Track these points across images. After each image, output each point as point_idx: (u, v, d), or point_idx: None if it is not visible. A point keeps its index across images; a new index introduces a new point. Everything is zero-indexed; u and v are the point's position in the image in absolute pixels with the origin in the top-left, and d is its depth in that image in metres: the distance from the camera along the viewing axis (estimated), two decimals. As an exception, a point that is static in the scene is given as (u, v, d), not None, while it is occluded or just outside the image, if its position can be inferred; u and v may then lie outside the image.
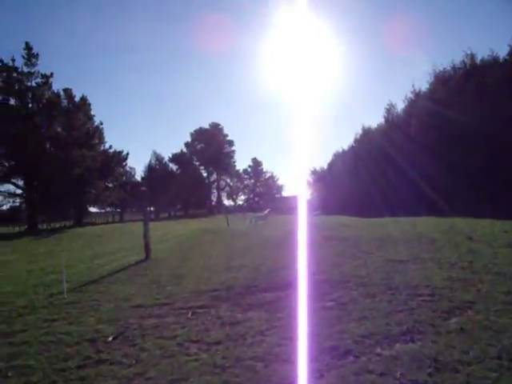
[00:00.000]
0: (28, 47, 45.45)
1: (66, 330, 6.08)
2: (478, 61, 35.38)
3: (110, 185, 63.48)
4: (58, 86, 54.36)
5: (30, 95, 46.65)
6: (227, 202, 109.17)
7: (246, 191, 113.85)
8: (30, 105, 47.19)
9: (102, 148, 59.00)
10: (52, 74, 47.65)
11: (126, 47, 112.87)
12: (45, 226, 49.81)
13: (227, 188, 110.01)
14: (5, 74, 44.45)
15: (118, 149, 64.76)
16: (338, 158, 64.76)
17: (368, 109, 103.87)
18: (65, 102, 50.21)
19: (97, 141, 56.20)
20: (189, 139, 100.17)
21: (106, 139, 59.70)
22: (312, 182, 78.69)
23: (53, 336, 5.81)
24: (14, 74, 45.04)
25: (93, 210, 67.68)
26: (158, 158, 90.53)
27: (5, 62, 44.17)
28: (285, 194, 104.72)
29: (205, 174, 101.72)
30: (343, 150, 63.69)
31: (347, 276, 8.51)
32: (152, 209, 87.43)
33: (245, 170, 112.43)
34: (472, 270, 8.44)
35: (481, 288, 6.93)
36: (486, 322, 5.21)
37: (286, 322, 5.71)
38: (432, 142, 34.25)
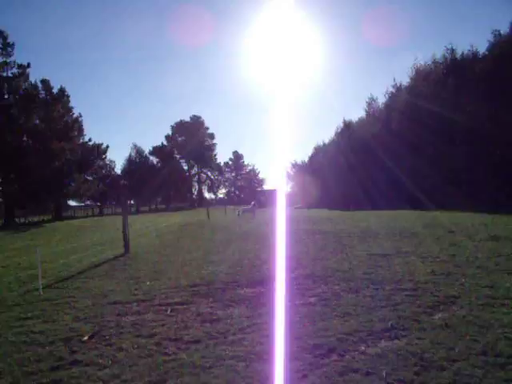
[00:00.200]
0: (3, 36, 44.19)
1: (40, 328, 5.82)
2: (458, 56, 35.66)
3: (90, 178, 62.51)
4: (35, 77, 52.83)
5: (6, 86, 45.48)
6: (208, 196, 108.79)
7: (227, 184, 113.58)
8: (6, 96, 46.04)
9: (82, 141, 57.98)
10: (29, 64, 46.48)
11: (106, 39, 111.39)
12: (22, 220, 48.85)
13: (208, 181, 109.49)
14: (-23, 64, 43.26)
15: (98, 141, 63.94)
16: (319, 151, 64.94)
17: (350, 102, 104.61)
18: (43, 94, 49.15)
19: (76, 133, 55.17)
20: (170, 132, 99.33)
21: (86, 132, 58.73)
22: (293, 175, 78.79)
23: (25, 336, 5.55)
24: (-12, 64, 43.83)
25: (72, 203, 66.83)
26: (139, 151, 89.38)
27: (-23, 51, 42.97)
28: (266, 187, 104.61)
29: (185, 167, 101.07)
30: (324, 144, 63.92)
31: (330, 270, 8.41)
32: (132, 202, 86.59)
33: (226, 164, 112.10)
34: (454, 264, 8.43)
35: (464, 282, 6.90)
36: (470, 317, 5.15)
37: (268, 318, 5.55)
38: (412, 136, 34.47)
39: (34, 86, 47.58)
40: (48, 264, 11.65)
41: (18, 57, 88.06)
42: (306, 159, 73.69)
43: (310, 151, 72.53)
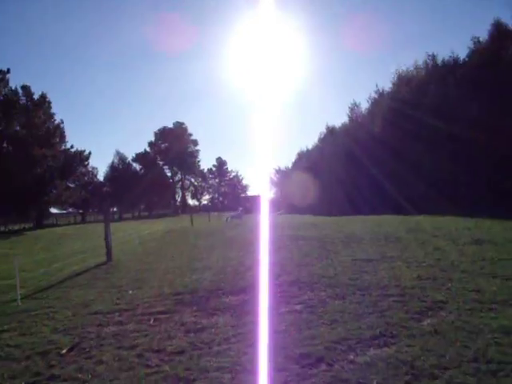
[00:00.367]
0: (-19, 42, 43.53)
1: (16, 342, 5.58)
2: (439, 62, 36.09)
3: (72, 185, 61.81)
4: (16, 83, 52.14)
5: (-15, 92, 44.81)
6: (192, 202, 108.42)
7: (211, 191, 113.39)
8: (-15, 102, 45.32)
9: (63, 147, 57.26)
10: (9, 69, 45.82)
11: (87, 46, 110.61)
12: (2, 228, 47.98)
13: (191, 188, 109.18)
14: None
15: (80, 148, 63.26)
16: (303, 156, 65.12)
17: (333, 108, 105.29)
18: (23, 100, 48.49)
19: (57, 140, 54.48)
20: (153, 138, 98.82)
21: (68, 138, 58.04)
22: (276, 180, 78.88)
23: (0, 350, 5.32)
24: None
25: (54, 210, 65.97)
26: (122, 158, 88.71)
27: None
28: (249, 193, 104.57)
29: (169, 174, 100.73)
30: (307, 149, 64.11)
31: (315, 277, 8.30)
32: (115, 209, 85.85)
33: (209, 170, 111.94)
34: (440, 268, 8.38)
35: (450, 287, 6.84)
36: (459, 323, 5.06)
37: (253, 327, 5.40)
38: (395, 141, 34.69)
39: (15, 92, 46.93)
40: (28, 273, 11.35)
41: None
42: (290, 165, 73.84)
43: (293, 157, 72.72)
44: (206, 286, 8.26)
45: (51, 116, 52.91)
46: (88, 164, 71.08)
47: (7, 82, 46.15)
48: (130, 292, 8.30)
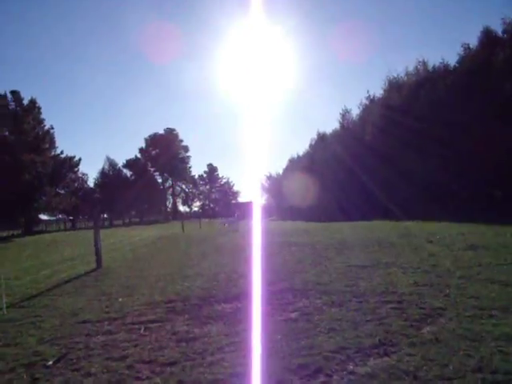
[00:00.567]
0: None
1: (0, 353, 5.35)
2: (430, 68, 36.28)
3: (62, 191, 61.48)
4: (4, 88, 51.75)
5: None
6: (182, 208, 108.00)
7: (202, 197, 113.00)
8: (-26, 107, 44.92)
9: (53, 153, 57.01)
10: (-3, 75, 45.51)
11: (78, 51, 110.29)
12: (-10, 236, 47.40)
13: (182, 194, 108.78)
14: None
15: (70, 154, 62.93)
16: (294, 163, 65.18)
17: (325, 114, 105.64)
18: (13, 105, 48.11)
19: (47, 145, 54.21)
20: (143, 145, 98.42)
21: (57, 144, 57.71)
22: (268, 187, 78.88)
23: (-18, 362, 5.06)
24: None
25: (44, 217, 65.42)
26: (112, 164, 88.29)
27: None
28: (241, 199, 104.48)
29: (160, 180, 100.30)
30: (298, 156, 64.20)
31: (310, 284, 8.13)
32: (106, 216, 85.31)
33: (200, 176, 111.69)
34: (436, 274, 8.26)
35: (448, 293, 6.70)
36: (460, 330, 4.91)
37: (248, 336, 5.21)
38: (386, 148, 34.77)
39: (4, 97, 46.55)
40: (14, 281, 11.08)
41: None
42: (281, 171, 73.89)
43: (285, 163, 72.81)
44: (199, 293, 8.06)
45: (41, 122, 52.64)
46: (78, 170, 70.95)
47: (-4, 87, 45.81)
48: (120, 300, 8.06)
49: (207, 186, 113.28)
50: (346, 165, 39.87)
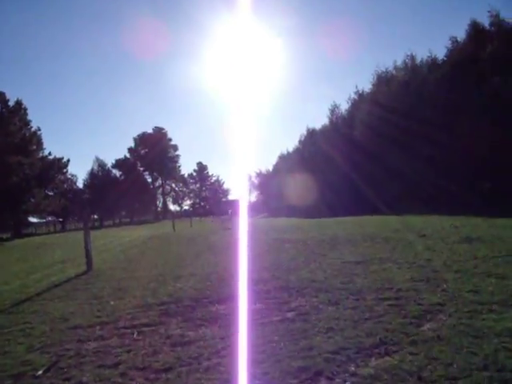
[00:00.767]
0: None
1: (-14, 363, 5.13)
2: (418, 62, 36.27)
3: (51, 193, 60.98)
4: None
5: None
6: (173, 207, 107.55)
7: (192, 196, 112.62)
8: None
9: (41, 155, 56.47)
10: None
11: (63, 51, 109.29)
12: (-22, 239, 46.78)
13: (172, 193, 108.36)
14: None
15: (58, 155, 62.30)
16: (283, 159, 65.09)
17: (314, 110, 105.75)
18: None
19: (34, 147, 53.68)
20: (132, 144, 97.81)
21: (45, 145, 57.18)
22: (257, 184, 78.77)
23: (-32, 373, 4.84)
24: None
25: (33, 219, 64.76)
26: (101, 165, 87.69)
27: None
28: (231, 197, 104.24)
29: (149, 180, 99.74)
30: (288, 152, 64.10)
31: (305, 281, 7.99)
32: (96, 216, 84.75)
33: (190, 175, 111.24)
34: (432, 269, 8.16)
35: (446, 288, 6.60)
36: (461, 327, 4.79)
37: (244, 338, 5.04)
38: (374, 145, 34.82)
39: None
40: (3, 286, 10.82)
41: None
42: (271, 168, 73.81)
43: (275, 160, 72.71)
44: (192, 294, 7.88)
45: (27, 123, 52.10)
46: (67, 171, 70.40)
47: (-19, 89, 45.18)
48: (112, 303, 7.86)
49: (197, 185, 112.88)
50: (334, 161, 39.87)
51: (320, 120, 79.10)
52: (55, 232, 62.56)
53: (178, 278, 9.83)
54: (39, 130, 54.18)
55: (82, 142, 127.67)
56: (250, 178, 79.02)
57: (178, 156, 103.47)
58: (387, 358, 4.13)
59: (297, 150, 58.25)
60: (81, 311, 7.43)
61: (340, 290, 7.07)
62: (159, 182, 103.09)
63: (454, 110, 28.66)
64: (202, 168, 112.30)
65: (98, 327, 6.24)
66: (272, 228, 23.41)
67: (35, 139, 53.37)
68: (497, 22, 30.38)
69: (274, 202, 58.93)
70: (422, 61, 35.84)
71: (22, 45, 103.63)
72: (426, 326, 4.95)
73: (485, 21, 31.52)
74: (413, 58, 36.55)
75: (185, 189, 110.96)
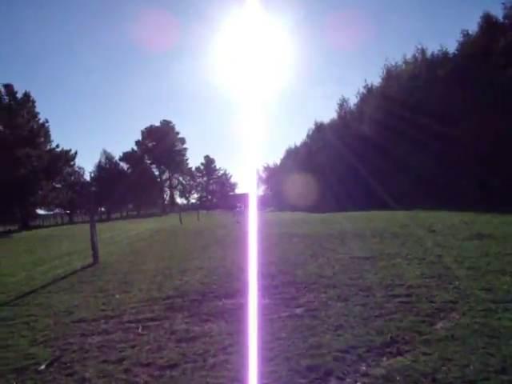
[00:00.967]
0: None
1: (-11, 356, 5.03)
2: (428, 56, 35.75)
3: (58, 185, 61.02)
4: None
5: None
6: (180, 201, 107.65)
7: (199, 189, 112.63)
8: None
9: (49, 147, 56.51)
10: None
11: (73, 43, 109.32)
12: (-14, 231, 47.04)
13: (180, 186, 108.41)
14: None
15: (66, 148, 62.40)
16: (291, 154, 64.80)
17: (323, 104, 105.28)
18: (6, 99, 47.55)
19: (42, 139, 53.73)
20: (140, 137, 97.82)
21: (53, 138, 57.19)
22: (265, 178, 78.55)
23: (-30, 366, 4.74)
24: None
25: (40, 211, 65.04)
26: (108, 157, 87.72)
27: None
28: (238, 191, 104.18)
29: (157, 173, 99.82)
30: (296, 146, 63.78)
31: (313, 277, 7.84)
32: (103, 209, 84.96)
33: (197, 168, 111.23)
34: (443, 265, 7.98)
35: (458, 285, 6.43)
36: (475, 326, 4.63)
37: (251, 334, 4.91)
38: (383, 139, 34.50)
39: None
40: (9, 277, 10.80)
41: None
42: (278, 162, 73.55)
43: (282, 154, 72.43)
44: (198, 288, 7.76)
45: (35, 115, 52.11)
46: (74, 164, 70.44)
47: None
48: (117, 296, 7.77)
49: (204, 178, 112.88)
50: (342, 156, 39.57)
51: (328, 114, 78.67)
52: (62, 224, 62.79)
53: (184, 271, 9.73)
54: (47, 122, 54.29)
55: (90, 134, 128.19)
56: (258, 172, 78.89)
57: (185, 149, 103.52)
58: (399, 358, 3.98)
59: (305, 144, 57.91)
60: (85, 304, 7.34)
61: (349, 285, 6.92)
62: (166, 175, 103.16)
63: (464, 105, 28.27)
64: (209, 161, 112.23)
65: (102, 321, 6.14)
66: (279, 222, 23.30)
67: (43, 131, 53.42)
68: (511, 14, 29.82)
69: (282, 196, 58.71)
70: (432, 54, 35.37)
71: (32, 37, 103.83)
72: (439, 325, 4.79)
73: (498, 13, 31.03)
74: (423, 51, 36.07)
75: (192, 182, 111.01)
